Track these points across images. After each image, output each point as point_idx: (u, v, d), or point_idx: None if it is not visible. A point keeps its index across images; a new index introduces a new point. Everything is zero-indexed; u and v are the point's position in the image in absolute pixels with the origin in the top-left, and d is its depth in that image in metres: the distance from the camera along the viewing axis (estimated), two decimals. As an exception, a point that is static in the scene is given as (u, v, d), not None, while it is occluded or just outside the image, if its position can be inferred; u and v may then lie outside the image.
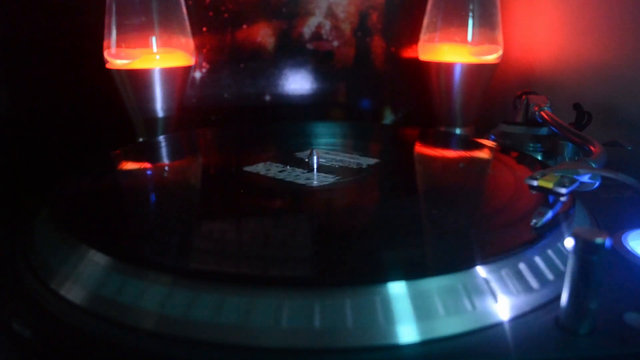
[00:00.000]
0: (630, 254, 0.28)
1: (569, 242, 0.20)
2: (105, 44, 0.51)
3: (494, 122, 0.49)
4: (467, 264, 0.23)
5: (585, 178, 0.28)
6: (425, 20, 0.58)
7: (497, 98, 0.64)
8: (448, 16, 0.56)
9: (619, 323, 0.21)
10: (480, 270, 0.23)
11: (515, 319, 0.22)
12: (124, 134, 0.55)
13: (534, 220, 0.26)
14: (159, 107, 0.52)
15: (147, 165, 0.40)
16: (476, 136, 0.50)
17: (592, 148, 0.34)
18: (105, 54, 0.52)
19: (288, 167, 0.38)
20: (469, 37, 0.55)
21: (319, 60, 0.64)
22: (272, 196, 0.34)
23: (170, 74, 0.52)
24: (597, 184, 0.29)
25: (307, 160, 0.38)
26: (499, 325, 0.22)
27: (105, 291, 0.23)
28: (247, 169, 0.38)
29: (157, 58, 0.51)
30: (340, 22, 0.63)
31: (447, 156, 0.44)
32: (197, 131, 0.54)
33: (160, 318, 0.21)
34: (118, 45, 0.51)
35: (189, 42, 0.54)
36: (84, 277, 0.24)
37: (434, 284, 0.22)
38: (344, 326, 0.20)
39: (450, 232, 0.27)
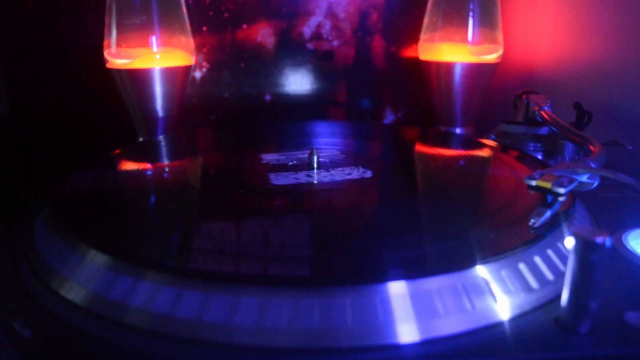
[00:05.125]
0: (630, 253, 0.28)
1: (569, 242, 0.20)
2: (105, 43, 0.51)
3: (494, 121, 0.49)
4: (467, 264, 0.23)
5: (584, 178, 0.28)
6: (425, 20, 0.58)
7: (497, 98, 0.64)
8: (448, 16, 0.56)
9: (619, 322, 0.21)
10: (480, 270, 0.23)
11: (515, 319, 0.22)
12: (124, 134, 0.55)
13: (533, 220, 0.26)
14: (159, 107, 0.52)
15: (147, 165, 0.40)
16: (476, 136, 0.50)
17: (591, 148, 0.34)
18: (105, 54, 0.52)
19: (288, 166, 0.38)
20: (469, 36, 0.55)
21: (319, 60, 0.64)
22: (271, 196, 0.34)
23: (170, 74, 0.52)
24: (596, 183, 0.29)
25: (307, 160, 0.38)
26: (499, 324, 0.22)
27: (105, 291, 0.23)
28: (247, 169, 0.38)
29: (157, 57, 0.51)
30: (340, 22, 0.63)
31: (447, 156, 0.44)
32: (197, 131, 0.54)
33: (160, 318, 0.21)
34: (118, 44, 0.51)
35: (189, 41, 0.54)
36: (84, 277, 0.24)
37: (433, 284, 0.22)
38: (344, 326, 0.20)
39: (450, 231, 0.27)
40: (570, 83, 0.54)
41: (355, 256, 0.25)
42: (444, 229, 0.28)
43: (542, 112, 0.43)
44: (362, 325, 0.20)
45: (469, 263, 0.23)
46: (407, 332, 0.21)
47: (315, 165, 0.37)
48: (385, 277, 0.22)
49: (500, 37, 0.56)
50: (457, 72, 0.55)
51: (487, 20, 0.55)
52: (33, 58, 0.57)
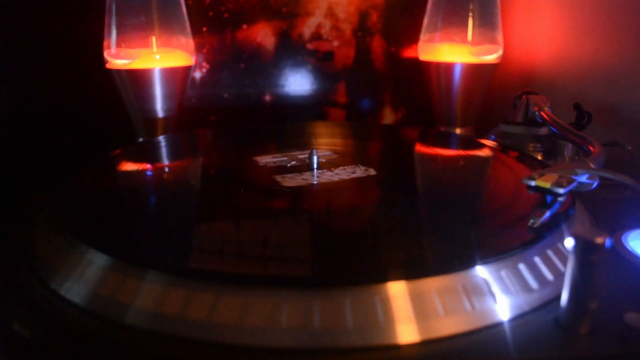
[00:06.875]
0: (630, 254, 0.28)
1: (569, 242, 0.20)
2: (105, 44, 0.51)
3: (494, 122, 0.49)
4: (466, 264, 0.23)
5: (584, 178, 0.28)
6: (425, 20, 0.58)
7: (497, 98, 0.64)
8: (448, 16, 0.56)
9: (619, 323, 0.21)
10: (480, 270, 0.23)
11: (515, 319, 0.22)
12: (124, 134, 0.55)
13: (532, 220, 0.26)
14: (159, 107, 0.52)
15: (147, 165, 0.40)
16: (476, 136, 0.50)
17: (591, 148, 0.34)
18: (105, 54, 0.52)
19: (288, 167, 0.38)
20: (469, 37, 0.55)
21: (319, 60, 0.64)
22: (271, 196, 0.34)
23: (170, 74, 0.52)
24: (595, 184, 0.29)
25: (307, 160, 0.38)
26: (498, 325, 0.22)
27: (105, 291, 0.23)
28: (247, 169, 0.38)
29: (157, 58, 0.51)
30: (340, 22, 0.63)
31: (447, 156, 0.44)
32: (197, 131, 0.54)
33: (159, 317, 0.21)
34: (118, 45, 0.51)
35: (189, 42, 0.54)
36: (84, 277, 0.24)
37: (433, 284, 0.22)
38: (344, 326, 0.20)
39: (449, 232, 0.27)
40: (570, 83, 0.54)
41: (355, 256, 0.25)
42: (444, 229, 0.28)
43: (542, 113, 0.43)
44: (362, 326, 0.20)
45: (469, 263, 0.23)
46: (407, 332, 0.21)
47: (315, 166, 0.37)
48: (385, 277, 0.22)
49: (500, 37, 0.56)
50: (457, 72, 0.55)
51: (487, 21, 0.55)
52: (33, 58, 0.57)
